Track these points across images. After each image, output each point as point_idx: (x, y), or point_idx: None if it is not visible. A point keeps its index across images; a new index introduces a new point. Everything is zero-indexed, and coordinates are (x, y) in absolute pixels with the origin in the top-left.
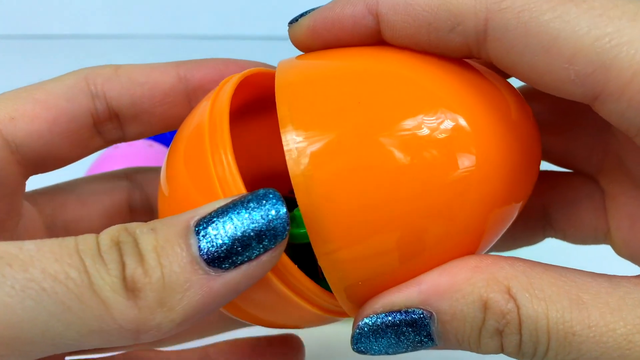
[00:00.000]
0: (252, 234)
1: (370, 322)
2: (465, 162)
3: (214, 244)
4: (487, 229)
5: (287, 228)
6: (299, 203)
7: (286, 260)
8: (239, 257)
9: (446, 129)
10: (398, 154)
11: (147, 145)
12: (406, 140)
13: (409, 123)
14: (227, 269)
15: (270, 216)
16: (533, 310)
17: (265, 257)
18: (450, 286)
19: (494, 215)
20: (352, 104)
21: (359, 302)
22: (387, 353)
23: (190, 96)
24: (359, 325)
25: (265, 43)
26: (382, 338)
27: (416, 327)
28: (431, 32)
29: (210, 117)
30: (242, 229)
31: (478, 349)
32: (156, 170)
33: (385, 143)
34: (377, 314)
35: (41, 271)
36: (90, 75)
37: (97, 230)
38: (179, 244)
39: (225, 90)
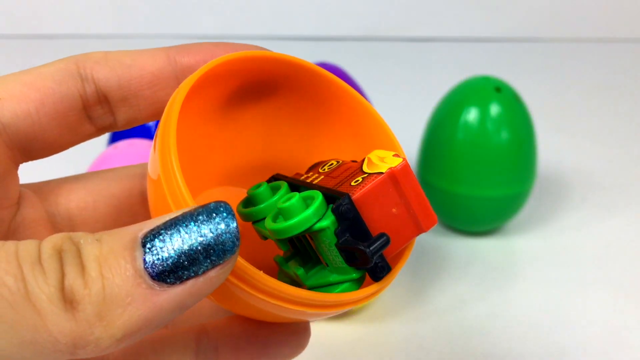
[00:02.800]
0: (199, 248)
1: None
2: None
3: (160, 257)
4: None
5: (237, 244)
6: None
7: (245, 265)
8: (185, 272)
9: None
10: None
11: (148, 145)
12: None
13: None
14: (172, 283)
15: (219, 230)
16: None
17: (213, 273)
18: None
19: None
20: None
21: None
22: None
23: (180, 79)
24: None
25: (266, 43)
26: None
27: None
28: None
29: (164, 120)
30: (190, 243)
31: None
32: None
33: None
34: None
35: None
36: (80, 59)
37: (101, 220)
38: (124, 256)
39: (180, 91)
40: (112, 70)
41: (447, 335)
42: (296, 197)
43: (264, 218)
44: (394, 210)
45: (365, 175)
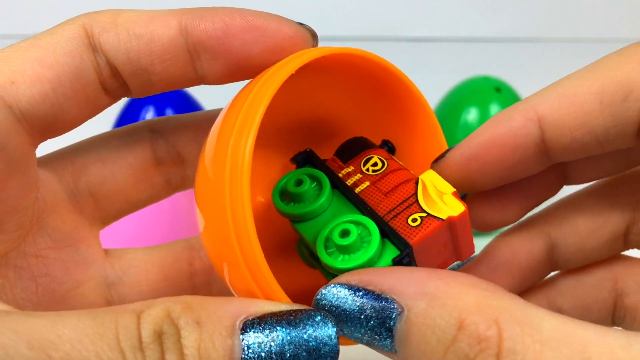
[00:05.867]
0: (303, 353)
1: (340, 289)
2: None
3: (256, 354)
4: None
5: (335, 356)
6: None
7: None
8: None
9: None
10: None
11: None
12: None
13: None
14: None
15: (323, 340)
16: (522, 347)
17: None
18: (435, 290)
19: None
20: None
21: None
22: (341, 329)
23: (192, 52)
24: (330, 284)
25: None
26: (345, 309)
27: (380, 316)
28: (604, 109)
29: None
30: (291, 349)
31: None
32: (180, 118)
33: None
34: (350, 284)
35: None
36: (87, 23)
37: (122, 191)
38: (223, 346)
39: (245, 152)
40: (121, 42)
41: None
42: (355, 235)
43: (304, 219)
44: (442, 248)
45: (425, 215)
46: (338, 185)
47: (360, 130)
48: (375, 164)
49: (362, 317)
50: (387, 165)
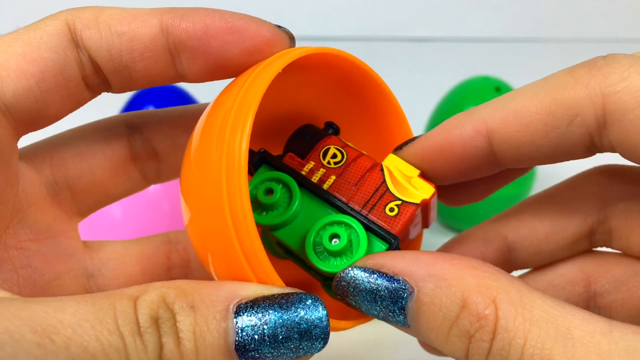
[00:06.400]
0: (295, 335)
1: (357, 271)
2: None
3: (249, 336)
4: None
5: (327, 338)
6: None
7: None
8: (271, 356)
9: None
10: None
11: None
12: None
13: None
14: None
15: (314, 322)
16: (513, 325)
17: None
18: (441, 272)
19: None
20: None
21: None
22: (359, 307)
23: (172, 51)
24: (346, 270)
25: None
26: (361, 291)
27: (393, 296)
28: (549, 132)
29: (227, 174)
30: (284, 330)
31: (444, 345)
32: (156, 113)
33: None
34: (366, 267)
35: (82, 350)
36: (69, 19)
37: (101, 184)
38: (217, 329)
39: (240, 140)
40: (103, 39)
41: None
42: (345, 239)
43: (279, 226)
44: (415, 224)
45: (400, 203)
46: (304, 184)
47: (334, 119)
48: (334, 156)
49: (377, 296)
50: (347, 154)
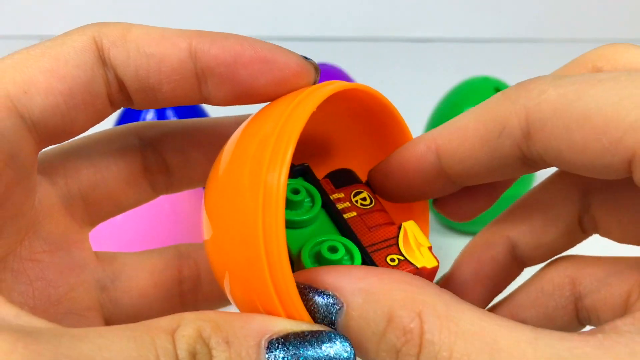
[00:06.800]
0: None
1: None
2: None
3: None
4: None
5: None
6: None
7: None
8: None
9: None
10: None
11: None
12: None
13: None
14: None
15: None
16: (439, 339)
17: None
18: (370, 286)
19: None
20: None
21: None
22: None
23: (199, 76)
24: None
25: None
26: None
27: (325, 309)
28: (484, 145)
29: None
30: None
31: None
32: (168, 125)
33: None
34: (298, 281)
35: None
36: (97, 36)
37: (113, 196)
38: None
39: (279, 183)
40: (130, 59)
41: None
42: (341, 254)
43: (291, 227)
44: None
45: (402, 259)
46: (328, 205)
47: (348, 151)
48: (364, 199)
49: (310, 311)
50: (375, 203)
